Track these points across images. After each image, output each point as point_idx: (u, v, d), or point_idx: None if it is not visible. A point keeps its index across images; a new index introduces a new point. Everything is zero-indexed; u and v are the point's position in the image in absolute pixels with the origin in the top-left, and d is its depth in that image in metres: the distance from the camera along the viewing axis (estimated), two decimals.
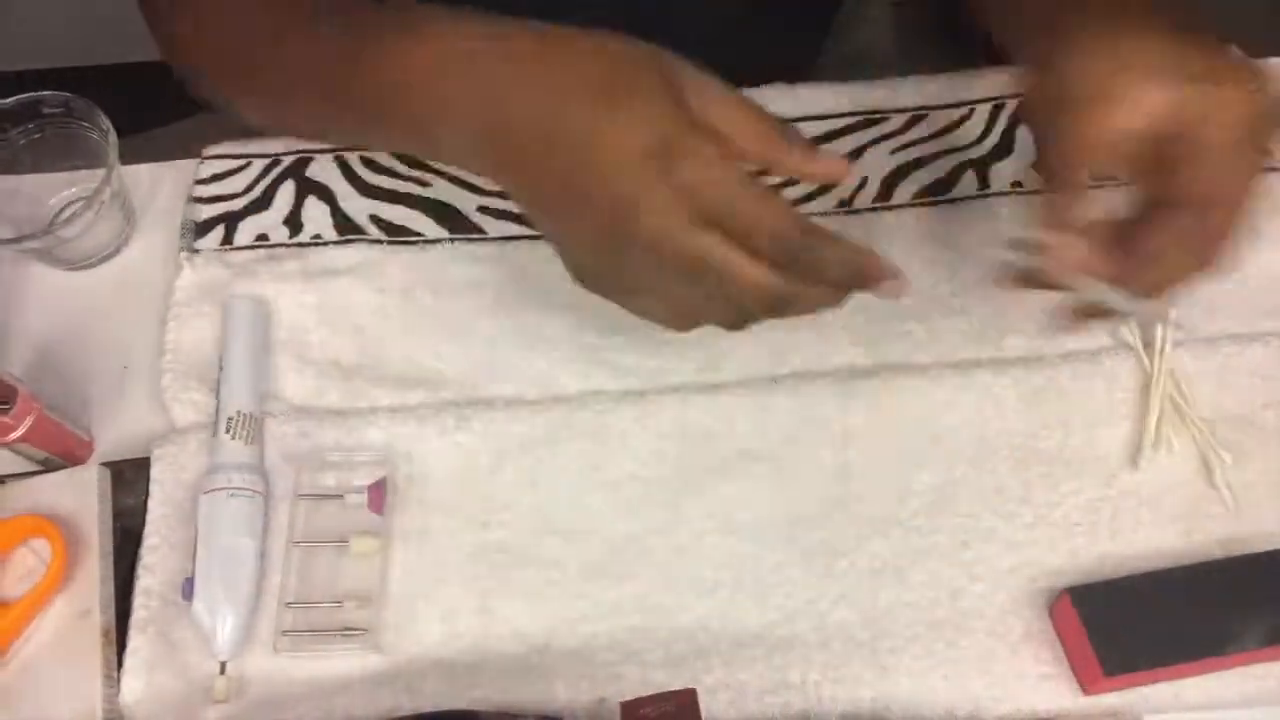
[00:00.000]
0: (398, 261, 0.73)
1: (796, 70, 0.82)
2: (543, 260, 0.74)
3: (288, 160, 0.78)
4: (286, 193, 0.77)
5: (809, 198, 0.75)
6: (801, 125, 0.77)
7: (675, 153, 0.49)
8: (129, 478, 0.68)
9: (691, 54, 0.81)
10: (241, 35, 0.63)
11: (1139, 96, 0.53)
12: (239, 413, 0.66)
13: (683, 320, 0.56)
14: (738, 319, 0.55)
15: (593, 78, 0.50)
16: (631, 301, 0.55)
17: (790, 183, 0.75)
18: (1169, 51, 0.53)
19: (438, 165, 0.78)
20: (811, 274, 0.51)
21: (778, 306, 0.53)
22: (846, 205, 0.75)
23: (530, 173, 0.53)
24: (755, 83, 0.79)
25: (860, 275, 0.52)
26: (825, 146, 0.76)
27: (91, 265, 0.76)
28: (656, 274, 0.51)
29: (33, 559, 0.64)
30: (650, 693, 0.58)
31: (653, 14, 0.79)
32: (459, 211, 0.76)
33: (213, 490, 0.64)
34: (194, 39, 0.67)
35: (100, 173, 0.72)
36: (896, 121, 0.78)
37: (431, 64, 0.54)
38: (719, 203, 0.49)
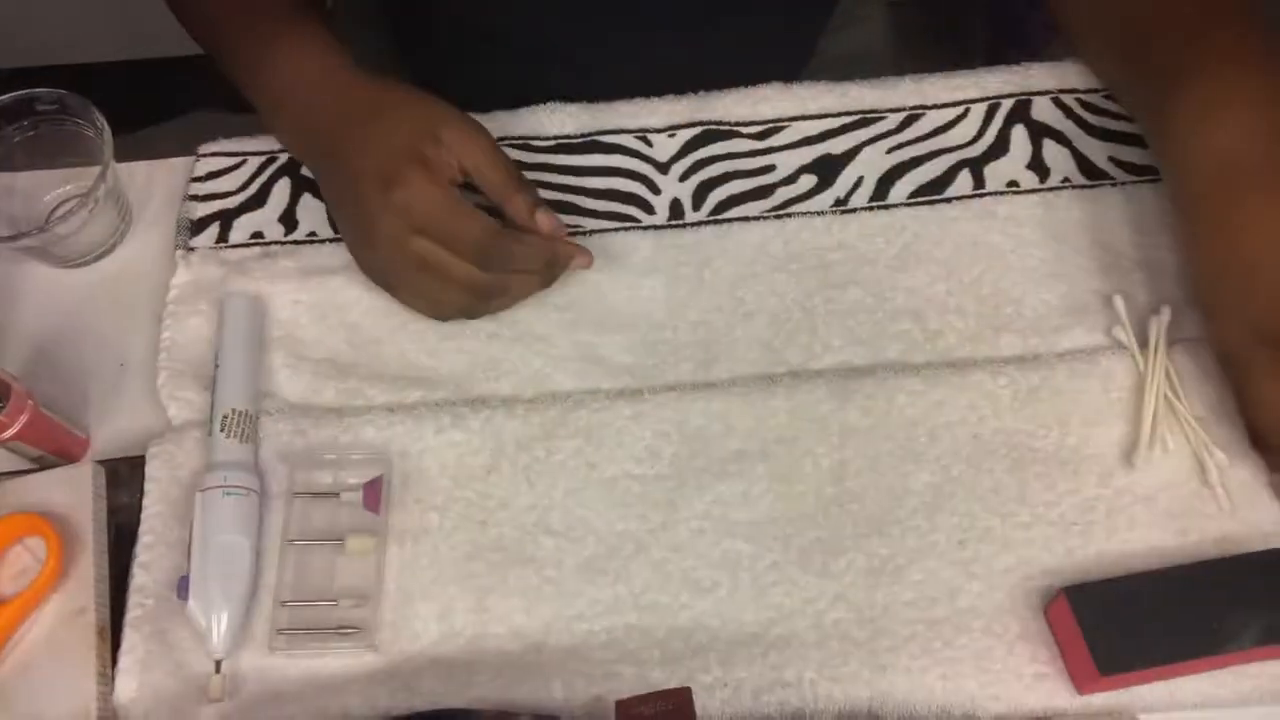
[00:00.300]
0: None
1: (793, 70, 0.82)
2: None
3: (283, 158, 0.78)
4: (282, 190, 0.77)
5: (806, 196, 0.75)
6: (797, 124, 0.78)
7: (393, 181, 0.65)
8: (124, 476, 0.68)
9: (689, 54, 0.82)
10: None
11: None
12: (234, 411, 0.66)
13: (431, 307, 0.70)
14: (469, 305, 0.69)
15: (369, 131, 0.68)
16: (394, 293, 0.70)
17: (787, 181, 0.76)
18: None
19: None
20: (509, 266, 0.68)
21: (491, 293, 0.68)
22: (842, 204, 0.75)
23: (326, 188, 0.73)
24: (753, 81, 0.79)
25: (551, 261, 0.69)
26: (820, 145, 0.76)
27: (87, 263, 0.76)
28: (399, 270, 0.68)
29: (28, 557, 0.64)
30: (646, 691, 0.58)
31: (652, 14, 0.79)
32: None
33: (208, 488, 0.64)
34: None
35: (95, 170, 0.71)
36: (892, 121, 0.78)
37: (280, 93, 0.72)
38: (424, 217, 0.65)
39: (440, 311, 0.70)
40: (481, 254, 0.66)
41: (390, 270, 0.68)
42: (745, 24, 0.85)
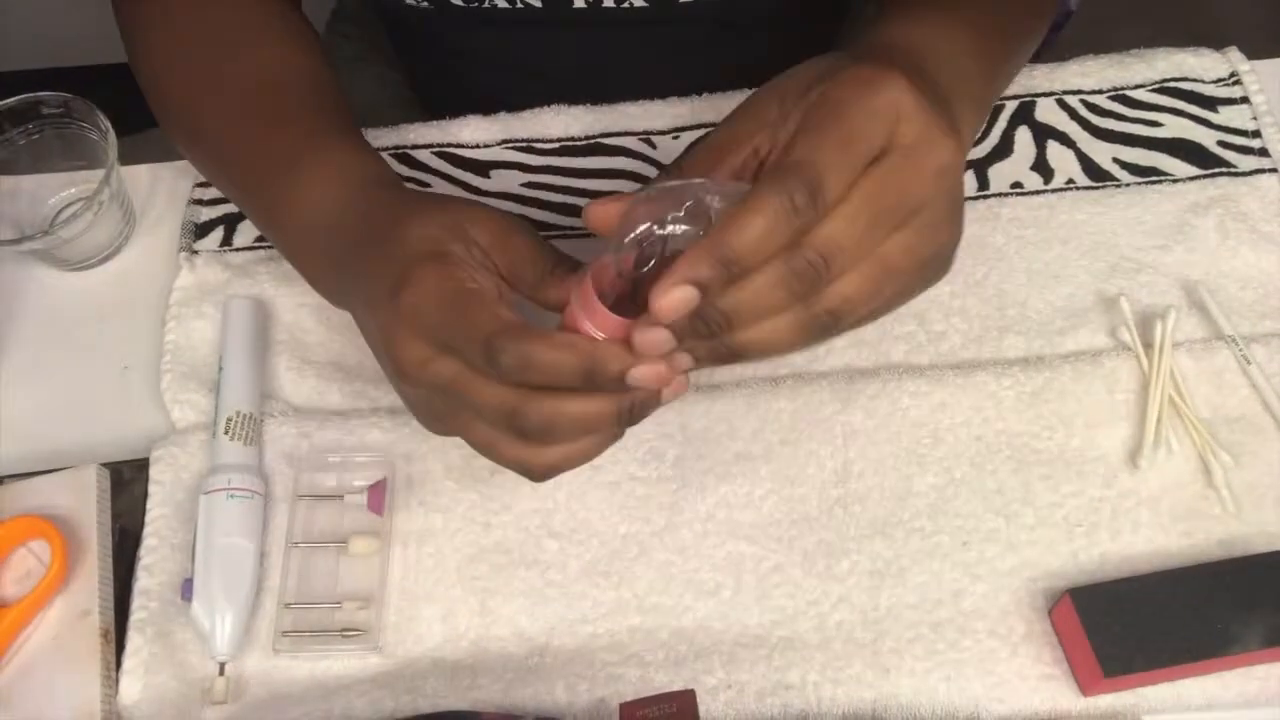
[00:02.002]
0: None
1: None
2: None
3: None
4: None
5: None
6: None
7: (401, 284, 0.51)
8: (128, 478, 0.68)
9: (693, 63, 0.82)
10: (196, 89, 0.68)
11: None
12: (238, 413, 0.66)
13: (482, 450, 0.54)
14: (514, 453, 0.53)
15: (389, 240, 0.54)
16: (440, 432, 0.56)
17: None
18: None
19: (436, 166, 0.78)
20: (531, 374, 0.49)
21: (531, 429, 0.50)
22: None
23: (360, 328, 0.57)
24: (758, 84, 0.79)
25: (596, 371, 0.48)
26: None
27: (91, 266, 0.76)
28: (426, 405, 0.54)
29: (32, 560, 0.64)
30: (650, 694, 0.58)
31: (655, 19, 0.79)
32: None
33: (212, 491, 0.64)
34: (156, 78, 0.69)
35: (100, 173, 0.72)
36: None
37: (300, 226, 0.61)
38: (436, 323, 0.50)
39: (491, 456, 0.54)
40: (489, 357, 0.49)
41: (419, 405, 0.55)
42: (755, 29, 0.85)
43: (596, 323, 0.49)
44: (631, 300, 0.49)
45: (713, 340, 0.49)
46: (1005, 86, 0.67)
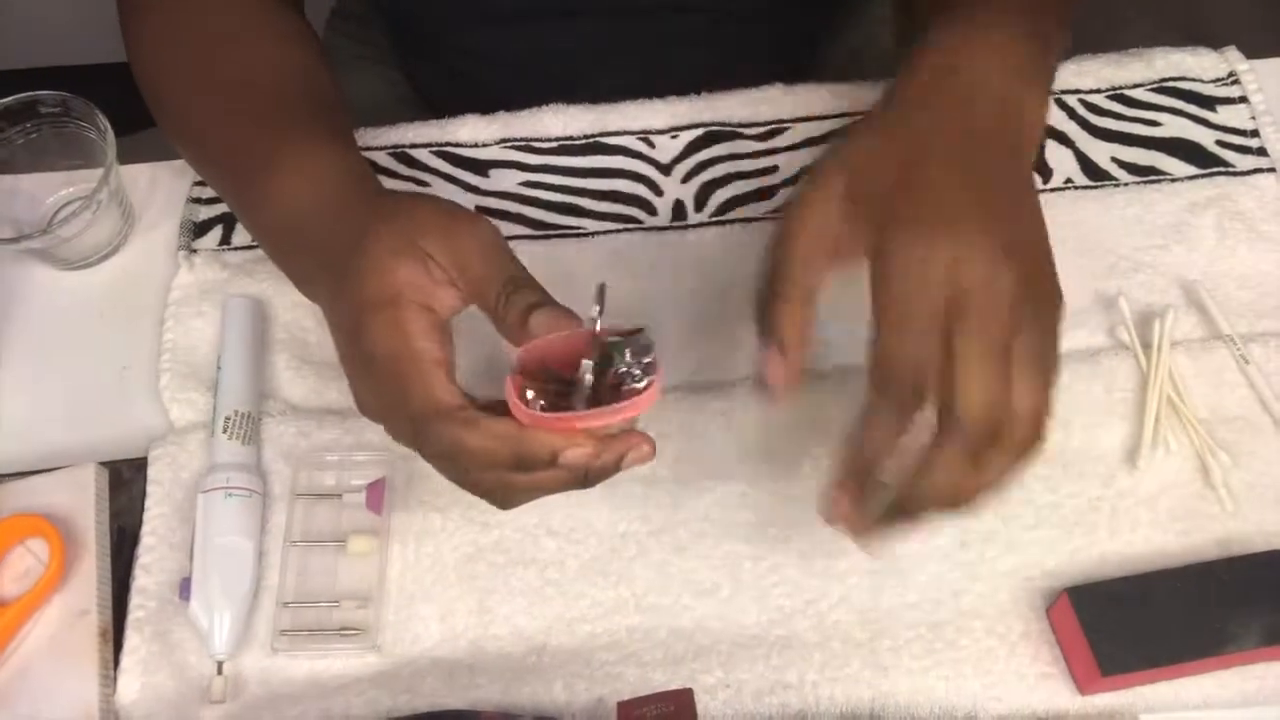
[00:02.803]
0: None
1: (797, 70, 0.82)
2: (540, 261, 0.73)
3: None
4: None
5: None
6: (800, 125, 0.78)
7: (354, 333, 0.53)
8: (126, 477, 0.68)
9: (692, 54, 0.82)
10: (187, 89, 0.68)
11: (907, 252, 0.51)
12: (236, 412, 0.66)
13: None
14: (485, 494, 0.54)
15: (347, 270, 0.54)
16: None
17: (790, 183, 0.76)
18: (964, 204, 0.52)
19: (435, 165, 0.78)
20: (460, 464, 0.52)
21: (472, 491, 0.54)
22: None
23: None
24: (755, 83, 0.79)
25: (519, 461, 0.51)
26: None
27: (90, 265, 0.76)
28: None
29: (30, 559, 0.64)
30: (648, 693, 0.58)
31: (651, 9, 0.79)
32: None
33: (210, 490, 0.64)
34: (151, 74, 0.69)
35: (98, 172, 0.72)
36: None
37: (274, 225, 0.61)
38: (380, 389, 0.53)
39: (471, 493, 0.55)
40: (416, 441, 0.52)
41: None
42: (752, 26, 0.85)
43: (523, 419, 0.50)
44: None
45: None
46: (1064, 44, 0.65)
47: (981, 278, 0.50)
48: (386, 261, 0.53)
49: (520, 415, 0.50)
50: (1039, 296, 0.53)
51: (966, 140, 0.53)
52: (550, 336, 0.51)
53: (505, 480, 0.52)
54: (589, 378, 0.50)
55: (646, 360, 0.50)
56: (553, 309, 0.52)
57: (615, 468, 0.52)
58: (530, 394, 0.50)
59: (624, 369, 0.50)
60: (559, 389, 0.51)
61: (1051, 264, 0.54)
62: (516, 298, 0.53)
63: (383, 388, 0.52)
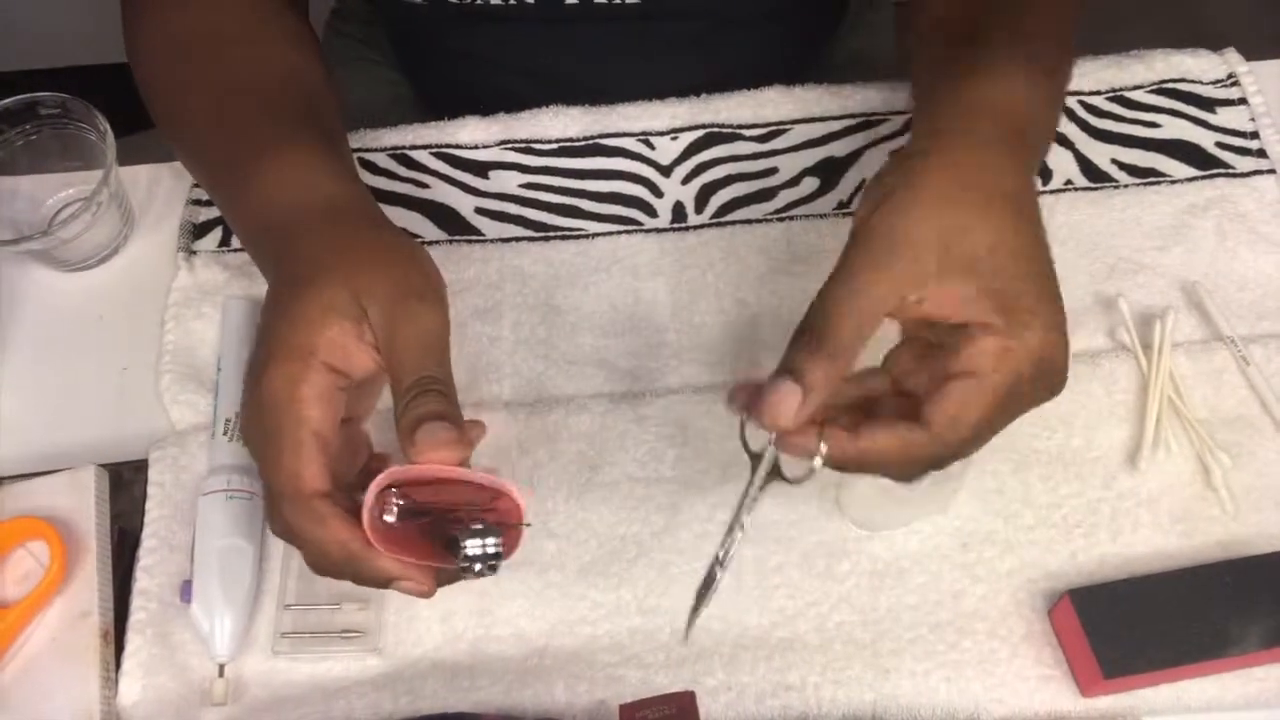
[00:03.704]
0: None
1: (798, 72, 0.82)
2: (540, 262, 0.74)
3: None
4: None
5: (809, 199, 0.75)
6: (800, 127, 0.78)
7: (257, 370, 0.52)
8: (127, 479, 0.68)
9: (693, 58, 0.82)
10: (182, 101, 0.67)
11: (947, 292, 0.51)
12: (237, 414, 0.66)
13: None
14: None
15: (288, 298, 0.53)
16: None
17: (790, 184, 0.76)
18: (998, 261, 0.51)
19: (435, 166, 0.78)
20: (306, 552, 0.52)
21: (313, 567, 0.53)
22: (845, 207, 0.75)
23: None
24: (757, 84, 0.79)
25: (355, 575, 0.52)
26: (822, 148, 0.76)
27: (90, 266, 0.76)
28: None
29: (31, 561, 0.64)
30: (650, 695, 0.58)
31: (648, 15, 0.79)
32: (456, 213, 0.76)
33: (211, 492, 0.64)
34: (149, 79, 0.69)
35: (98, 174, 0.72)
36: (895, 124, 0.78)
37: (254, 227, 0.60)
38: (255, 438, 0.53)
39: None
40: (270, 510, 0.53)
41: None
42: (753, 28, 0.85)
43: (374, 539, 0.51)
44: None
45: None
46: (1067, 65, 0.65)
47: (1043, 363, 0.53)
48: (316, 315, 0.52)
49: (371, 536, 0.50)
50: (1054, 384, 0.54)
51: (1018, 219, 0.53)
52: (418, 467, 0.50)
53: (335, 572, 0.52)
54: (466, 546, 0.50)
55: (493, 555, 0.50)
56: (443, 427, 0.50)
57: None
58: (390, 504, 0.50)
59: (473, 554, 0.50)
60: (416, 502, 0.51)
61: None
62: (417, 402, 0.51)
63: (262, 438, 0.52)
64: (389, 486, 0.50)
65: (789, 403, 0.50)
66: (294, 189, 0.59)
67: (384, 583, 0.52)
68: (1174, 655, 0.57)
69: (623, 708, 0.56)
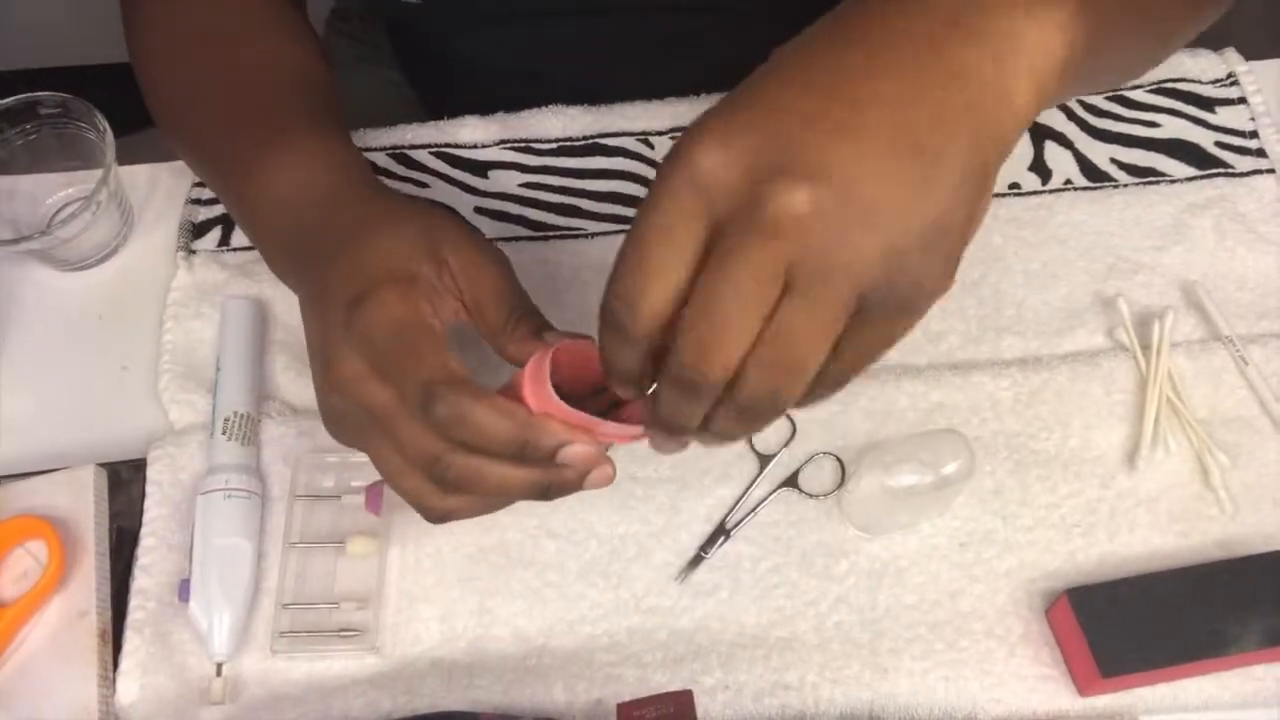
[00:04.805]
0: None
1: None
2: (540, 261, 0.74)
3: None
4: None
5: None
6: None
7: (361, 299, 0.50)
8: (126, 478, 0.68)
9: (693, 54, 0.82)
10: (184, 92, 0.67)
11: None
12: (235, 414, 0.66)
13: (391, 481, 0.53)
14: (422, 493, 0.52)
15: (357, 245, 0.53)
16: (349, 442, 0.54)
17: None
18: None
19: (434, 166, 0.78)
20: (462, 432, 0.48)
21: (446, 478, 0.50)
22: None
23: (305, 322, 0.55)
24: None
25: (528, 447, 0.48)
26: None
27: (89, 266, 0.76)
28: (350, 427, 0.53)
29: (29, 560, 0.64)
30: (648, 694, 0.58)
31: (654, 14, 0.79)
32: (456, 212, 0.76)
33: (209, 491, 0.64)
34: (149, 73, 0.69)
35: (97, 173, 0.72)
36: None
37: (268, 206, 0.60)
38: (382, 348, 0.50)
39: (393, 483, 0.52)
40: (425, 403, 0.48)
41: (336, 415, 0.53)
42: (753, 26, 0.85)
43: (541, 403, 0.48)
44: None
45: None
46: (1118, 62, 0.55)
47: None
48: (407, 248, 0.52)
49: (539, 400, 0.48)
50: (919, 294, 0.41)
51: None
52: (577, 342, 0.50)
53: (479, 471, 0.49)
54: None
55: None
56: (564, 332, 0.51)
57: (579, 484, 0.51)
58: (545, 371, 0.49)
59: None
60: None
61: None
62: (527, 319, 0.53)
63: (387, 354, 0.50)
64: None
65: None
66: (314, 174, 0.59)
67: (553, 453, 0.48)
68: (1172, 654, 0.57)
69: (621, 706, 0.56)
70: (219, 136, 0.65)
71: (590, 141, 0.78)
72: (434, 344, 0.50)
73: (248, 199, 0.62)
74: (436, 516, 0.52)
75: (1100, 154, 0.76)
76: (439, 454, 0.49)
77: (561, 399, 0.48)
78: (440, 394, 0.48)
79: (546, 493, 0.51)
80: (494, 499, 0.52)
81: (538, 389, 0.48)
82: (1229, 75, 0.78)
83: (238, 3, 0.68)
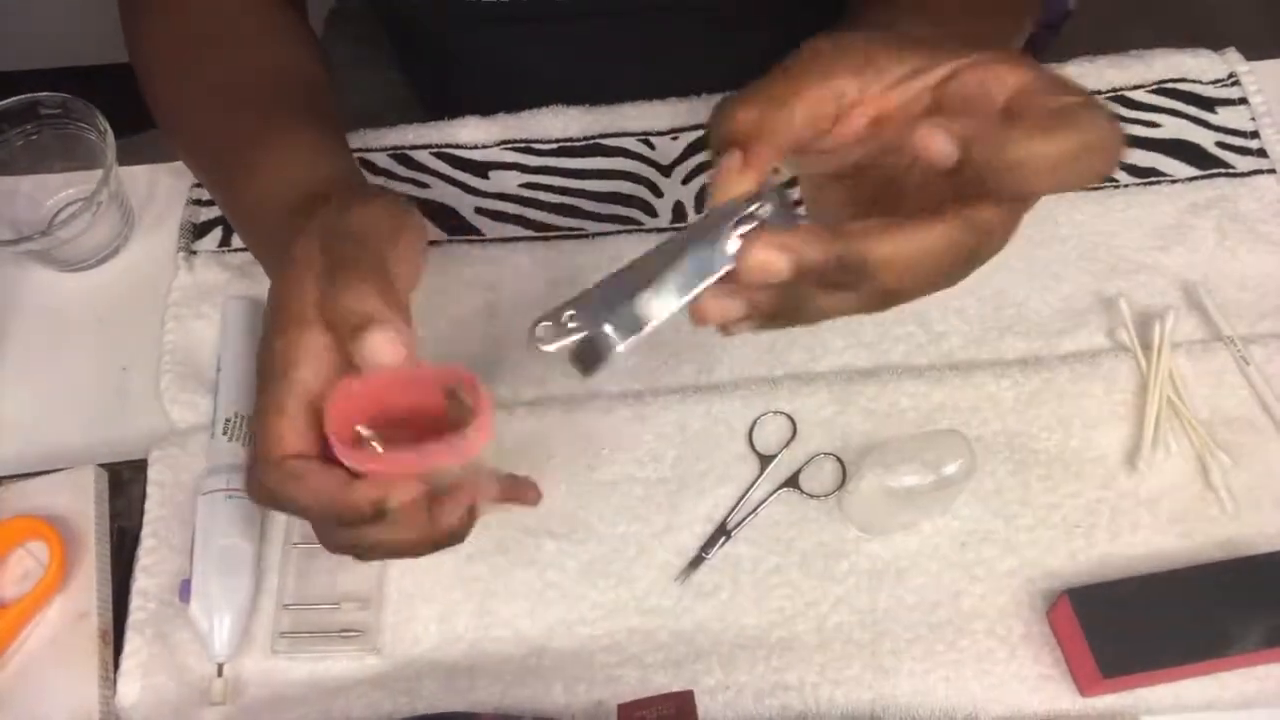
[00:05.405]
0: None
1: None
2: (539, 261, 0.74)
3: None
4: None
5: None
6: None
7: (263, 356, 0.48)
8: (127, 479, 0.68)
9: (694, 57, 0.82)
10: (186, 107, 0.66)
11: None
12: (236, 414, 0.66)
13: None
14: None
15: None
16: None
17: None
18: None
19: (435, 166, 0.78)
20: (301, 515, 0.48)
21: (333, 545, 0.50)
22: None
23: None
24: None
25: (345, 516, 0.46)
26: None
27: (90, 266, 0.76)
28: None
29: (30, 561, 0.64)
30: (649, 695, 0.58)
31: (654, 17, 0.79)
32: (456, 212, 0.76)
33: (210, 492, 0.64)
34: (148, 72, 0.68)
35: (98, 174, 0.72)
36: None
37: (255, 220, 0.59)
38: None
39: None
40: (255, 486, 0.48)
41: None
42: (752, 27, 0.85)
43: (349, 459, 0.46)
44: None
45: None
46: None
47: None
48: (295, 281, 0.49)
49: (345, 457, 0.46)
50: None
51: None
52: (367, 378, 0.46)
53: (352, 539, 0.48)
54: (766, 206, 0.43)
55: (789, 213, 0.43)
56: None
57: (469, 521, 0.49)
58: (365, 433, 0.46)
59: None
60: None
61: None
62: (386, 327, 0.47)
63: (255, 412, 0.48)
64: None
65: (727, 172, 0.44)
66: (296, 185, 0.58)
67: (376, 512, 0.46)
68: (1173, 655, 0.57)
69: (621, 707, 0.56)
70: (215, 141, 0.65)
71: (591, 142, 0.78)
72: (277, 410, 0.47)
73: (240, 204, 0.62)
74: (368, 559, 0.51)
75: None
76: (313, 528, 0.49)
77: (388, 428, 0.46)
78: (263, 477, 0.47)
79: (450, 538, 0.49)
80: (412, 543, 0.50)
81: (339, 446, 0.46)
82: (1230, 75, 0.78)
83: (237, 7, 0.68)
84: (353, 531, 0.48)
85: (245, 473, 0.48)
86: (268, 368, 0.48)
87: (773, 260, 0.42)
